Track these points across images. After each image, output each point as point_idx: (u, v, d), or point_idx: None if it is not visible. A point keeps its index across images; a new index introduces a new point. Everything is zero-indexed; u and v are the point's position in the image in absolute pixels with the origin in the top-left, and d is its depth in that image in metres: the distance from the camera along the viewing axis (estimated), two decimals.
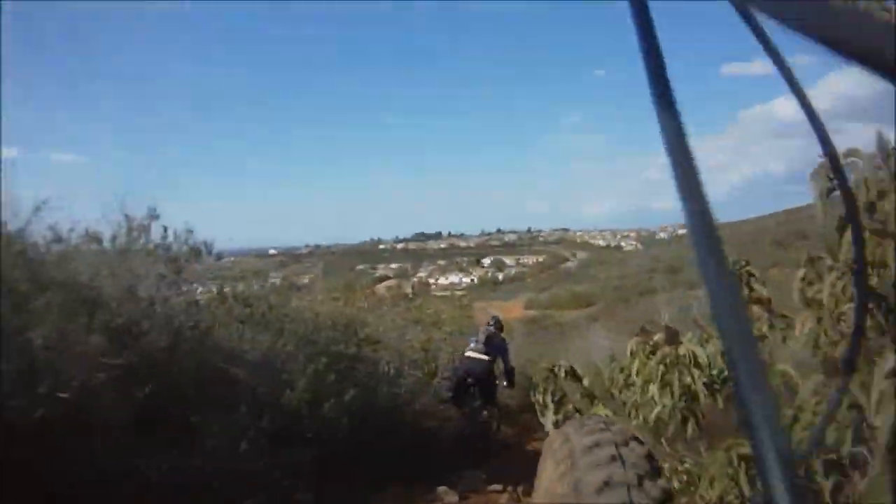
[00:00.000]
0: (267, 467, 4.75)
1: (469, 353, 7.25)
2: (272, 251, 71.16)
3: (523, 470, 6.33)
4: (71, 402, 3.99)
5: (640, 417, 2.41)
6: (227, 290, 6.37)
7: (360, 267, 63.76)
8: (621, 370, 2.67)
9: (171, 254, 5.71)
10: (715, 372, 2.36)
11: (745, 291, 2.65)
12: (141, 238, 5.59)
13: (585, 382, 2.56)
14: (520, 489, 5.84)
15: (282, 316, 6.23)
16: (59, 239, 4.95)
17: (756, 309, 2.59)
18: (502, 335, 7.80)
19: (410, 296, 14.43)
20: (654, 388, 2.30)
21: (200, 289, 6.26)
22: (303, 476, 4.90)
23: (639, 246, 69.54)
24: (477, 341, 7.27)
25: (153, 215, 5.71)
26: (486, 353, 7.16)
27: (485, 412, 7.50)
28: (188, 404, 4.72)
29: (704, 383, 2.28)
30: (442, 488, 5.77)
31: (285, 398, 5.15)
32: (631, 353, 2.47)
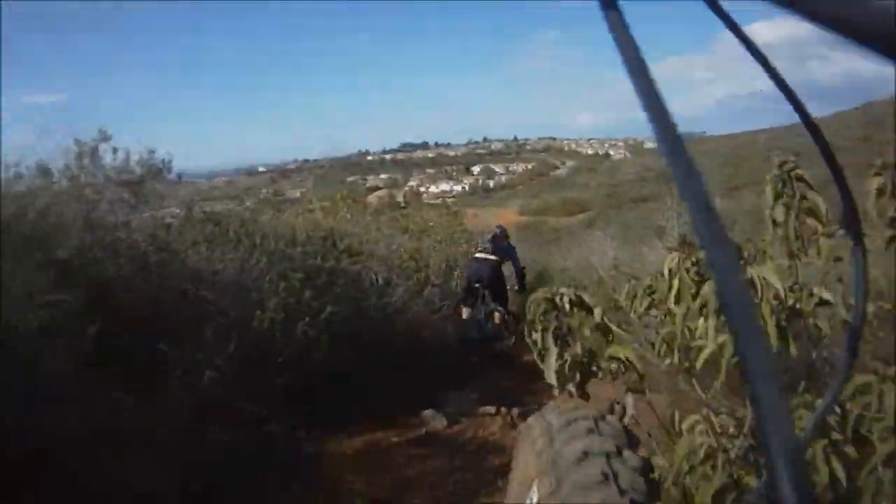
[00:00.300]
0: (234, 397, 4.29)
1: (477, 255, 7.21)
2: (261, 169, 70.63)
3: (518, 387, 5.89)
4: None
5: (676, 357, 1.85)
6: (196, 209, 5.80)
7: (351, 178, 62.70)
8: (647, 290, 2.10)
9: (126, 176, 5.14)
10: (791, 303, 1.77)
11: (797, 200, 2.09)
12: (91, 162, 5.04)
13: (597, 314, 1.96)
14: (514, 412, 5.29)
15: (253, 232, 5.67)
16: (19, 175, 4.46)
17: (811, 223, 2.03)
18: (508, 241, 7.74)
19: (402, 205, 13.87)
20: (704, 323, 1.73)
21: (175, 211, 5.73)
22: (274, 405, 4.46)
23: (627, 154, 68.63)
24: (483, 242, 7.26)
25: (104, 137, 5.12)
26: (492, 254, 7.09)
27: (496, 315, 7.17)
28: (150, 335, 4.24)
29: (778, 323, 1.70)
30: (428, 412, 5.23)
31: (256, 319, 4.62)
32: (669, 272, 1.86)
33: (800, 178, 2.21)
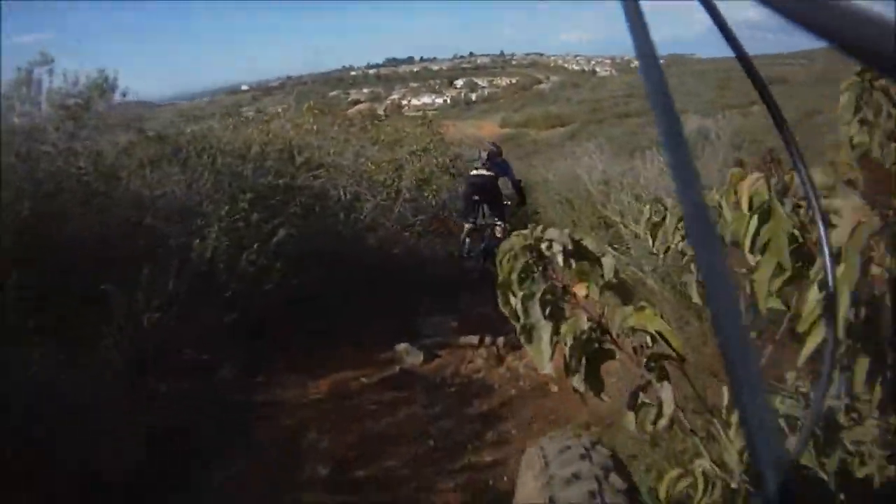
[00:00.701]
0: (178, 341, 3.60)
1: (473, 172, 6.80)
2: (244, 87, 69.10)
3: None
4: None
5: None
6: (147, 130, 5.05)
7: (333, 93, 60.85)
8: (681, 220, 1.40)
9: (70, 100, 4.41)
10: None
11: (883, 118, 1.38)
12: (27, 89, 4.38)
13: (608, 265, 1.21)
14: (500, 341, 4.56)
15: (202, 150, 4.87)
16: None
17: None
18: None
19: (383, 117, 13.05)
20: (817, 291, 1.02)
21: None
22: (225, 347, 3.78)
23: (614, 72, 67.06)
24: (479, 159, 6.81)
25: (43, 60, 4.40)
26: (488, 170, 6.68)
27: (497, 229, 6.65)
28: (83, 275, 3.54)
29: None
30: (402, 346, 4.47)
31: (196, 249, 3.85)
32: (751, 204, 1.12)
33: (885, 92, 1.49)
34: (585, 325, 1.18)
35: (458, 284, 6.09)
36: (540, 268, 1.20)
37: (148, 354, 3.43)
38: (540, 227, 1.25)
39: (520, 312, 1.19)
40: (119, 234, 3.97)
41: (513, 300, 1.22)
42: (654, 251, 1.63)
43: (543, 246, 1.22)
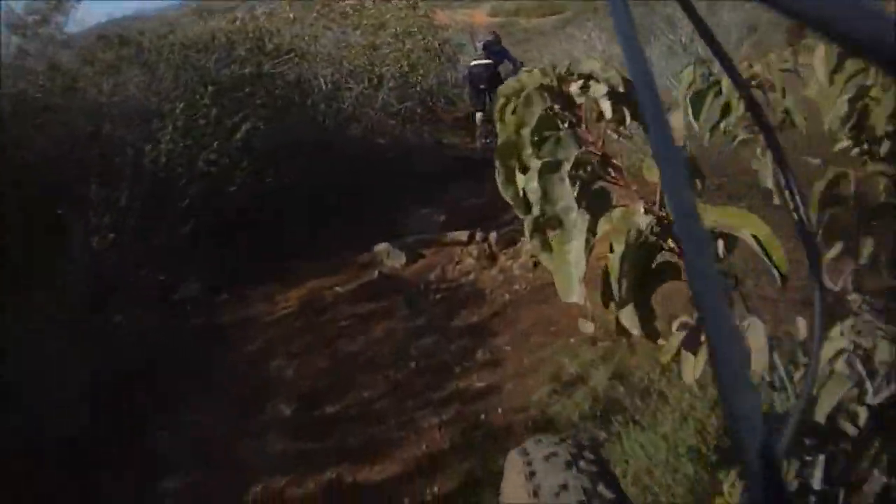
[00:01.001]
0: (130, 260, 3.17)
1: (473, 63, 7.10)
2: None
3: (495, 202, 4.75)
4: None
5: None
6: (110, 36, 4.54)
7: None
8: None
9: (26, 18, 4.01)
10: None
11: None
12: None
13: (675, 125, 0.73)
14: (493, 237, 4.00)
15: (161, 47, 4.31)
16: None
17: None
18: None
19: (371, 7, 12.35)
20: None
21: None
22: (183, 261, 3.35)
23: None
24: (477, 50, 7.22)
25: None
26: (487, 59, 6.95)
27: None
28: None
29: None
30: (382, 247, 3.97)
31: (149, 154, 3.35)
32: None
33: None
34: (644, 222, 0.68)
35: (448, 174, 5.62)
36: (567, 123, 0.72)
37: (103, 282, 3.03)
38: (567, 62, 0.75)
39: (532, 197, 0.70)
40: (78, 147, 3.53)
41: (520, 178, 0.73)
42: (695, 126, 1.17)
43: (574, 88, 0.72)
